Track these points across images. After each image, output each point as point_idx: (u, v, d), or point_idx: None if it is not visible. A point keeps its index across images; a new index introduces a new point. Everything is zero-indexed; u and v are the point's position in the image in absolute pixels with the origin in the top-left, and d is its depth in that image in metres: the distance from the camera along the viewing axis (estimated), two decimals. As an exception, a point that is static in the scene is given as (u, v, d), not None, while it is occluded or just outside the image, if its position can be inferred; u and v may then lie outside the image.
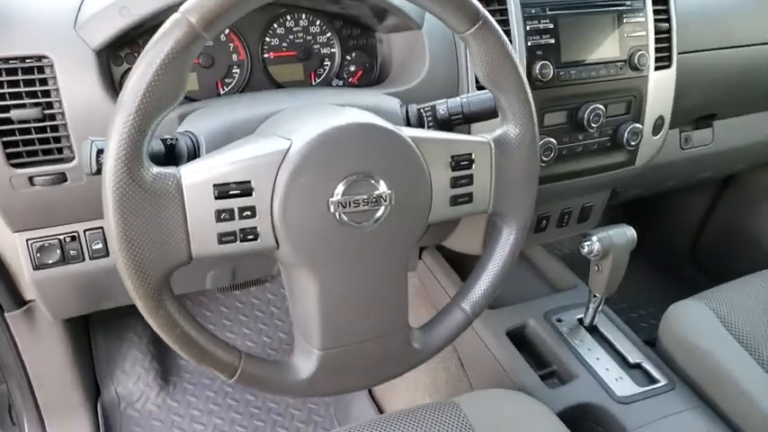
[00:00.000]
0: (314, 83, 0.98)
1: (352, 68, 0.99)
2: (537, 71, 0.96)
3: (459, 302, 0.73)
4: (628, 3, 1.03)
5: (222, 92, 0.92)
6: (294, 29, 0.95)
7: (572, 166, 1.07)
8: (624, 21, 1.03)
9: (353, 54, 0.99)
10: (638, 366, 1.11)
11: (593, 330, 1.18)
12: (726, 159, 1.50)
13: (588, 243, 1.06)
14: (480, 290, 0.73)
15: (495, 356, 1.16)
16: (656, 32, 1.08)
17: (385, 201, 0.63)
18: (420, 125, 0.81)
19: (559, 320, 1.20)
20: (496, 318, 1.20)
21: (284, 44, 0.94)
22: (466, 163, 0.68)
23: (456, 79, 0.95)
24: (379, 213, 0.63)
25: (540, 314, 1.21)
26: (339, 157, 0.61)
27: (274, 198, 0.59)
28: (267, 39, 0.93)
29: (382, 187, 0.63)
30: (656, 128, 1.13)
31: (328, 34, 0.97)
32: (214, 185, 0.57)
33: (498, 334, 1.17)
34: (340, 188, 0.61)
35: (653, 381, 1.08)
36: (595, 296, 1.14)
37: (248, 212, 0.58)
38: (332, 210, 0.61)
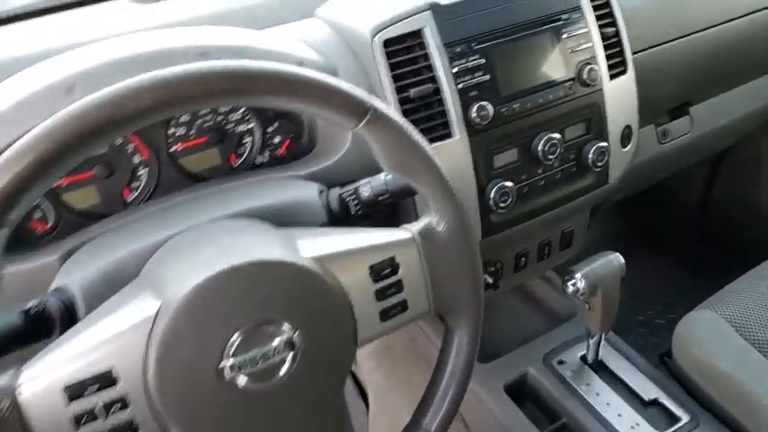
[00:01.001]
0: (235, 165, 0.88)
1: (277, 140, 0.89)
2: (474, 114, 0.86)
3: (421, 422, 0.63)
4: (563, 16, 0.93)
5: (129, 199, 0.82)
6: (200, 113, 0.85)
7: (538, 201, 0.97)
8: (564, 36, 0.93)
9: (276, 124, 0.89)
10: (654, 403, 1.01)
11: (599, 367, 1.08)
12: (708, 142, 1.39)
13: (572, 282, 0.96)
14: (442, 403, 0.63)
15: (497, 416, 1.06)
16: (604, 40, 0.97)
17: (293, 346, 0.53)
18: (344, 211, 0.72)
19: (561, 362, 1.10)
20: (492, 372, 1.10)
21: (192, 132, 0.84)
22: (389, 270, 0.58)
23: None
24: (287, 363, 0.53)
25: (539, 359, 1.11)
26: (223, 311, 0.51)
27: (148, 380, 0.49)
28: (171, 130, 0.82)
29: (286, 331, 0.53)
30: (624, 138, 1.03)
31: (242, 110, 0.87)
32: (65, 388, 0.47)
33: (496, 391, 1.07)
34: (231, 347, 0.51)
35: (674, 419, 0.98)
36: (594, 334, 1.04)
37: (118, 405, 0.48)
38: (226, 377, 0.51)
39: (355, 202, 0.71)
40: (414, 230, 0.61)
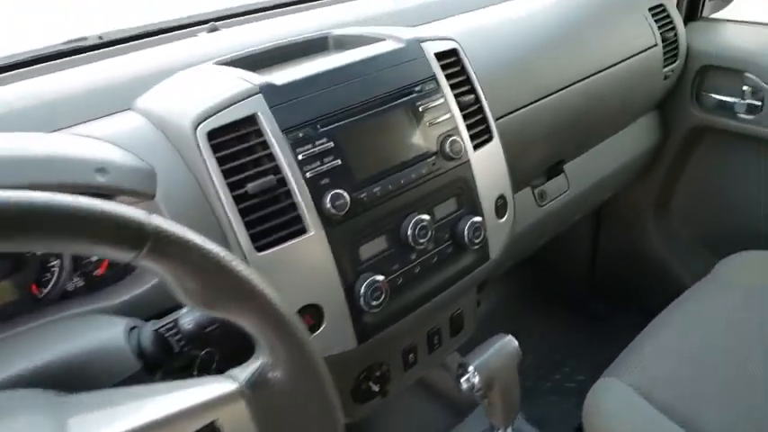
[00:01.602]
0: (40, 296, 0.71)
1: (95, 258, 0.73)
2: (329, 205, 0.75)
3: None
4: (416, 88, 0.86)
5: None
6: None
7: (416, 291, 0.86)
8: (421, 109, 0.85)
9: None
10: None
11: (511, 461, 0.96)
12: (588, 197, 1.37)
13: (465, 379, 0.85)
14: None
15: None
16: (463, 109, 0.91)
17: None
18: (164, 351, 0.57)
19: (469, 463, 0.97)
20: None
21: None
22: None
23: (223, 244, 0.72)
24: None
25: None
26: None
27: None
28: None
29: None
30: (500, 209, 0.96)
31: None
32: None
33: None
34: None
35: None
36: (498, 428, 0.92)
37: None
38: None
39: (177, 337, 0.56)
40: (241, 379, 0.46)
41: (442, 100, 0.88)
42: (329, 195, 0.75)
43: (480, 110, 0.94)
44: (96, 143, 0.70)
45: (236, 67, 0.82)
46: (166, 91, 0.80)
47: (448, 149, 0.86)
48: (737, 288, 1.15)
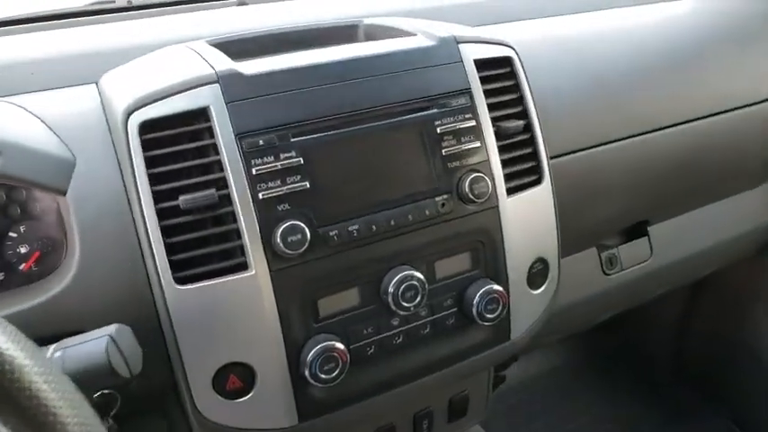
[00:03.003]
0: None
1: (23, 250, 0.60)
2: (280, 239, 0.57)
3: None
4: (440, 102, 0.65)
5: None
6: None
7: (394, 367, 0.66)
8: (440, 130, 0.65)
9: (22, 228, 0.60)
10: None
11: None
12: (680, 273, 1.09)
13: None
14: None
15: None
16: (503, 137, 0.69)
17: None
18: None
19: None
20: None
21: None
22: None
23: (139, 267, 0.57)
24: None
25: None
26: None
27: None
28: None
29: None
30: (536, 276, 0.73)
31: None
32: None
33: None
34: None
35: None
36: None
37: None
38: None
39: None
40: None
41: (472, 122, 0.66)
42: (283, 227, 0.57)
43: (530, 142, 0.72)
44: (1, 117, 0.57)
45: (225, 50, 0.66)
46: (130, 70, 0.66)
47: (467, 189, 0.65)
48: None
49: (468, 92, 0.67)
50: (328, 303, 0.61)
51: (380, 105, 0.63)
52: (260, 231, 0.57)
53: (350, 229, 0.60)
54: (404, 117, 0.64)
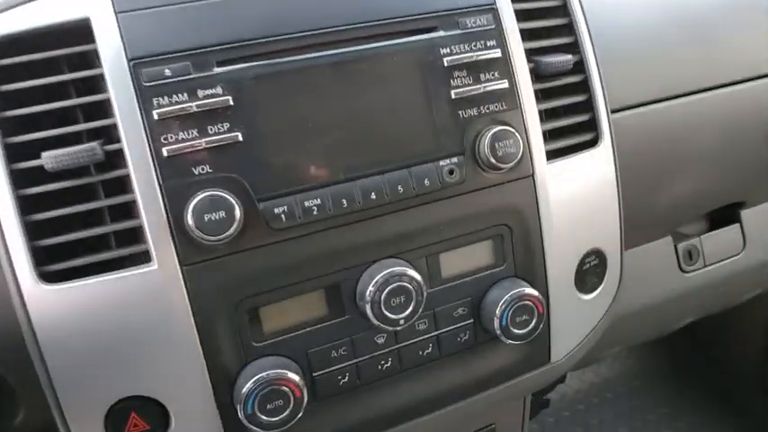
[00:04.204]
0: None
1: None
2: (192, 221, 0.38)
3: None
4: (449, 17, 0.44)
5: None
6: None
7: (385, 400, 0.46)
8: (447, 62, 0.44)
9: None
10: None
11: None
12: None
13: None
14: None
15: None
16: (543, 78, 0.48)
17: None
18: None
19: None
20: None
21: None
22: None
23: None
24: None
25: None
26: None
27: None
28: None
29: None
30: (588, 276, 0.52)
31: None
32: None
33: None
34: None
35: None
36: None
37: None
38: None
39: None
40: None
41: (497, 52, 0.46)
42: (199, 199, 0.38)
43: (582, 86, 0.51)
44: None
45: None
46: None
47: (488, 149, 0.44)
48: None
49: (492, 8, 0.46)
50: (276, 314, 0.42)
51: (357, 23, 0.42)
52: (165, 206, 0.38)
53: (307, 204, 0.40)
54: (392, 41, 0.43)
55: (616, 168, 0.52)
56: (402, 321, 0.43)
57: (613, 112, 0.54)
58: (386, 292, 0.42)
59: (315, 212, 0.41)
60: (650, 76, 0.59)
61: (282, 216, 0.40)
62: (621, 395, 1.29)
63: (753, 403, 1.23)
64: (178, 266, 0.38)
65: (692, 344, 1.23)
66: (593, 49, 0.52)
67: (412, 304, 0.43)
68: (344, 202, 0.41)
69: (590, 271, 0.52)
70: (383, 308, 0.42)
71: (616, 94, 0.55)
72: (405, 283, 0.42)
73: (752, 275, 0.81)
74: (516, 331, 0.47)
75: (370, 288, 0.42)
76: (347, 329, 0.44)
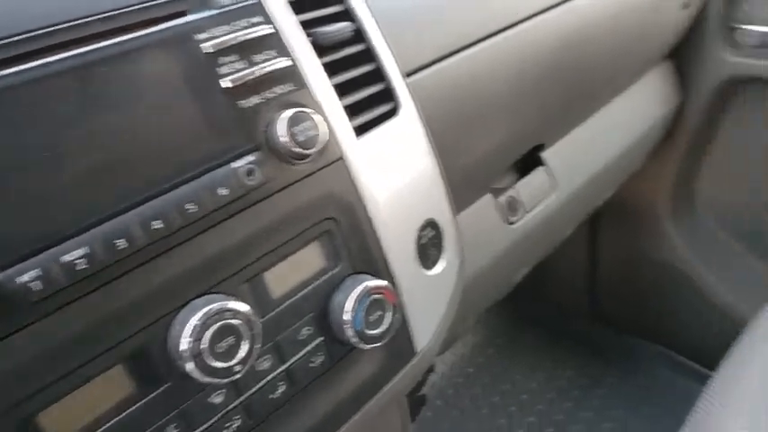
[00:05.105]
0: None
1: None
2: None
3: None
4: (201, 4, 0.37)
5: None
6: None
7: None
8: (203, 44, 0.36)
9: None
10: None
11: None
12: (588, 199, 0.90)
13: None
14: None
15: None
16: (324, 49, 0.43)
17: None
18: None
19: None
20: None
21: None
22: None
23: None
24: None
25: None
26: None
27: None
28: None
29: None
30: (428, 250, 0.48)
31: None
32: None
33: None
34: None
35: None
36: None
37: None
38: None
39: None
40: None
41: (268, 28, 0.39)
42: None
43: (368, 54, 0.46)
44: None
45: None
46: None
47: (285, 137, 0.37)
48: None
49: (244, -21, 0.40)
50: (63, 415, 0.31)
51: (82, 17, 0.33)
52: None
53: (68, 258, 0.30)
54: (136, 35, 0.35)
55: (427, 133, 0.49)
56: (238, 368, 0.34)
57: (409, 74, 0.51)
58: (207, 338, 0.33)
59: (83, 267, 0.30)
60: (436, 31, 0.57)
61: (37, 284, 0.29)
62: (482, 366, 1.31)
63: (585, 333, 1.34)
64: None
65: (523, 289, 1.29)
66: (372, 15, 0.48)
67: (244, 343, 0.35)
68: (121, 243, 0.32)
69: (429, 244, 0.48)
70: (209, 359, 0.33)
71: (409, 55, 0.52)
72: (228, 320, 0.34)
73: (568, 211, 0.85)
74: (374, 332, 0.41)
75: (186, 339, 0.33)
76: (172, 401, 0.34)
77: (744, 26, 0.92)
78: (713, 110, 1.00)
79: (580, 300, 1.33)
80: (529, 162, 0.79)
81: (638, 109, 0.92)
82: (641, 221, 1.17)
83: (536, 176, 0.78)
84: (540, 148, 0.79)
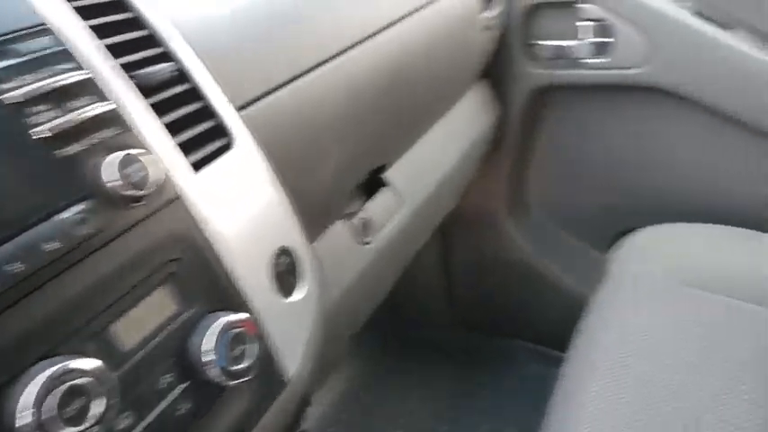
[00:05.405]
0: None
1: None
2: None
3: None
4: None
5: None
6: None
7: None
8: (7, 97, 0.34)
9: None
10: None
11: None
12: (434, 211, 0.96)
13: None
14: None
15: None
16: (149, 90, 0.43)
17: None
18: None
19: None
20: None
21: None
22: None
23: None
24: None
25: None
26: None
27: None
28: None
29: None
30: (285, 278, 0.48)
31: None
32: None
33: None
34: None
35: None
36: None
37: None
38: None
39: None
40: None
41: (80, 74, 0.38)
42: None
43: (194, 93, 0.46)
44: None
45: None
46: None
47: (115, 181, 0.36)
48: (644, 290, 0.79)
49: (45, 29, 0.38)
50: None
51: None
52: None
53: None
54: None
55: (267, 164, 0.50)
56: (95, 429, 0.32)
57: (243, 107, 0.51)
58: (53, 405, 0.31)
59: None
60: (264, 64, 0.58)
61: None
62: (357, 398, 1.32)
63: (452, 342, 1.40)
64: None
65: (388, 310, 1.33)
66: (196, 54, 0.48)
67: (98, 402, 0.32)
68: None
69: (285, 272, 0.48)
70: (58, 426, 0.31)
71: (239, 90, 0.53)
72: (75, 381, 0.32)
73: (417, 224, 0.90)
74: (239, 367, 0.40)
75: (28, 411, 0.30)
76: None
77: (540, 42, 1.04)
78: (528, 118, 1.12)
79: (442, 310, 1.39)
80: (374, 184, 0.82)
81: (465, 124, 1.00)
82: (485, 226, 1.26)
83: (382, 196, 0.81)
84: (382, 168, 0.82)
